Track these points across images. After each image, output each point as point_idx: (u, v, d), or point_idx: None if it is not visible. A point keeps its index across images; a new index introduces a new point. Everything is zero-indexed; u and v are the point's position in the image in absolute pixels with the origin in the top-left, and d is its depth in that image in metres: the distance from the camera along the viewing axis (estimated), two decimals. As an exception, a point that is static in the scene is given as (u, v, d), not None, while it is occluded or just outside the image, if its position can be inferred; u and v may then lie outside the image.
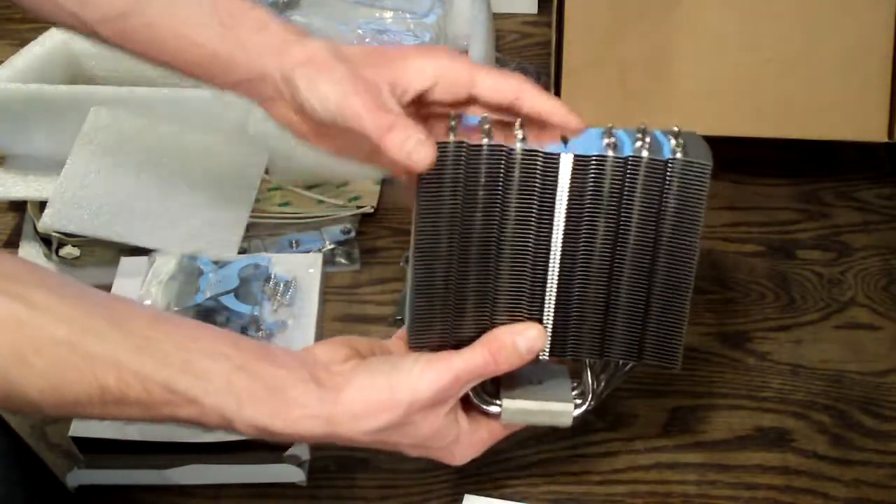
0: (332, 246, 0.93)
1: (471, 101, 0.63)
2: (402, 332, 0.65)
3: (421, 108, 0.64)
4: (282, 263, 0.87)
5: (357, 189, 0.99)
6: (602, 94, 0.95)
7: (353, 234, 0.94)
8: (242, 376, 0.55)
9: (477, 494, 0.69)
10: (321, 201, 0.98)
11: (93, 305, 0.54)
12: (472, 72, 0.62)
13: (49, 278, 0.55)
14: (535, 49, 1.22)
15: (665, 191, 0.59)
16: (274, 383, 0.56)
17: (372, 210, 0.97)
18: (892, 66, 0.90)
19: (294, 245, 0.93)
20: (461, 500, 0.70)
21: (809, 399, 0.79)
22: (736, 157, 1.02)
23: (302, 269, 0.87)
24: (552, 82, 0.95)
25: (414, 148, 0.57)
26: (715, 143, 0.97)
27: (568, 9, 0.93)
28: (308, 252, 0.91)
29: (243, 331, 0.80)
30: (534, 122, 0.62)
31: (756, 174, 1.01)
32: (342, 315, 0.87)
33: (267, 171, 0.98)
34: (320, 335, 0.84)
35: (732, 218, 0.96)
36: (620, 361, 0.63)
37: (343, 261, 0.92)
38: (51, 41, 1.04)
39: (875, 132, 0.92)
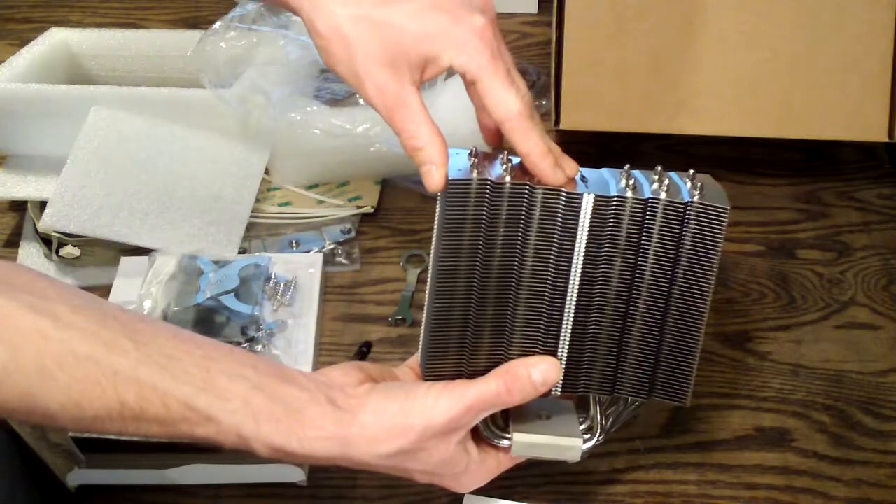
0: (332, 246, 0.93)
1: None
2: (412, 360, 0.66)
3: None
4: (282, 263, 0.87)
5: (357, 189, 0.99)
6: (602, 94, 0.95)
7: (353, 234, 0.94)
8: (260, 396, 0.55)
9: (477, 494, 0.69)
10: (321, 201, 0.98)
11: (114, 322, 0.54)
12: (479, 77, 0.61)
13: (69, 294, 0.56)
14: (535, 49, 1.22)
15: (682, 233, 0.59)
16: (291, 404, 0.56)
17: (372, 210, 0.97)
18: (892, 66, 0.90)
19: (294, 245, 0.93)
20: (461, 500, 0.70)
21: (809, 399, 0.79)
22: (736, 157, 1.02)
23: (302, 269, 0.87)
24: (552, 82, 0.95)
25: (427, 172, 0.59)
26: (715, 143, 0.97)
27: (568, 9, 0.93)
28: (308, 252, 0.92)
29: (243, 330, 0.80)
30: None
31: (756, 174, 1.01)
32: (342, 315, 0.87)
33: (267, 171, 0.99)
34: (320, 335, 0.84)
35: (733, 218, 0.95)
36: (629, 398, 0.63)
37: (343, 261, 0.92)
38: (51, 41, 1.04)
39: (875, 132, 0.92)
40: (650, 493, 0.73)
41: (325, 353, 0.83)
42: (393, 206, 0.99)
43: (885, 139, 0.92)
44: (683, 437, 0.76)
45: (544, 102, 1.10)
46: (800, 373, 0.81)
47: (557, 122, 0.95)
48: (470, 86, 0.62)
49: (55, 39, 1.05)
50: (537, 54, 1.19)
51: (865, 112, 0.92)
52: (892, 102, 0.91)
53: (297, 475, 0.72)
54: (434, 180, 0.59)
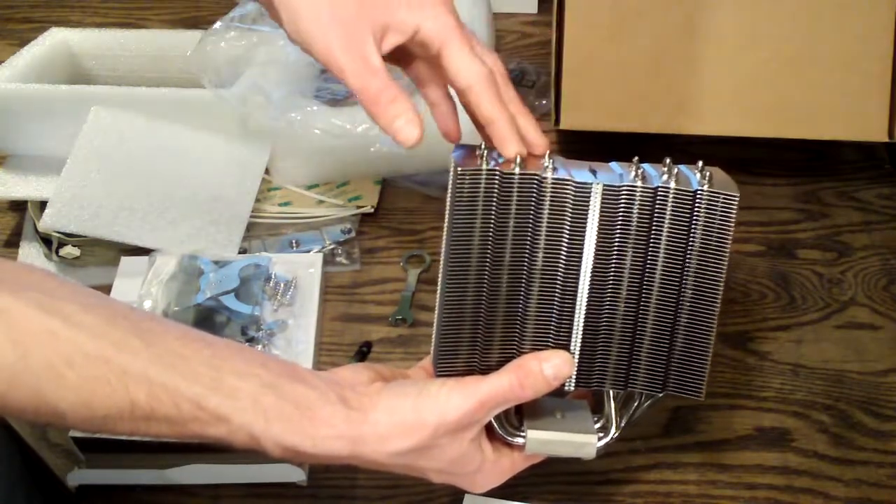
0: (332, 246, 0.93)
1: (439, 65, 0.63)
2: (424, 361, 0.66)
3: (395, 49, 0.63)
4: (282, 263, 0.87)
5: (357, 189, 0.99)
6: (602, 94, 0.95)
7: (353, 234, 0.94)
8: (271, 395, 0.55)
9: (477, 494, 0.69)
10: (321, 201, 0.98)
11: (124, 321, 0.54)
12: (444, 43, 0.61)
13: (79, 293, 0.55)
14: (535, 49, 1.22)
15: (693, 222, 0.59)
16: (302, 403, 0.56)
17: (372, 210, 0.97)
18: (892, 66, 0.90)
19: (294, 245, 0.93)
20: (462, 500, 0.70)
21: (809, 399, 0.79)
22: (736, 157, 1.02)
23: (302, 269, 0.87)
24: (552, 82, 0.95)
25: (402, 127, 0.60)
26: (715, 143, 0.97)
27: (568, 9, 0.93)
28: (308, 252, 0.92)
29: (243, 330, 0.80)
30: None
31: (756, 174, 1.01)
32: (342, 315, 0.87)
33: (267, 171, 0.99)
34: (320, 335, 0.84)
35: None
36: (644, 394, 0.63)
37: (343, 261, 0.92)
38: (51, 41, 1.04)
39: (875, 132, 0.92)
40: (650, 493, 0.73)
41: (325, 353, 0.83)
42: (393, 206, 0.98)
43: (885, 139, 0.92)
44: (683, 437, 0.76)
45: (544, 102, 1.10)
46: (800, 373, 0.81)
47: (557, 121, 0.95)
48: (432, 58, 0.62)
49: (55, 39, 1.05)
50: (537, 54, 1.19)
51: (865, 112, 0.92)
52: (892, 102, 0.91)
53: (297, 475, 0.72)
54: (413, 129, 0.60)
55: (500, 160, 0.59)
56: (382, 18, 0.61)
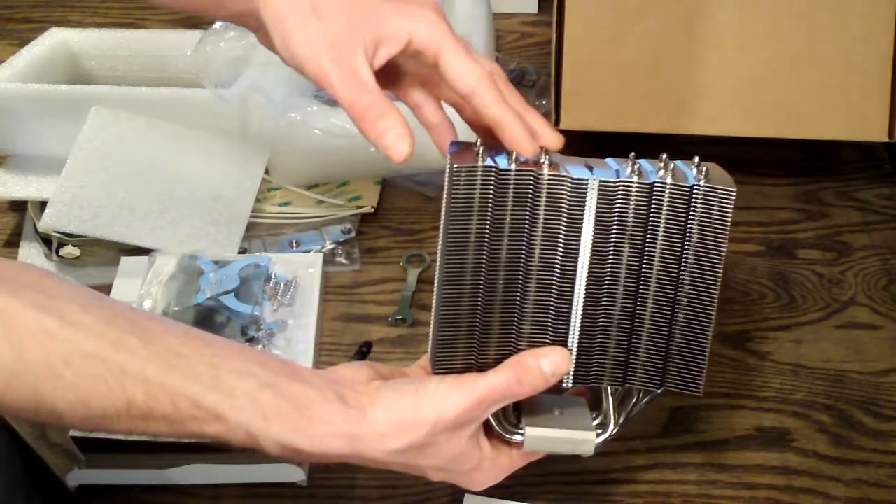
0: (332, 246, 0.93)
1: (435, 76, 0.63)
2: (422, 360, 0.66)
3: (388, 68, 0.63)
4: (282, 263, 0.87)
5: (357, 189, 0.99)
6: (602, 94, 0.95)
7: (353, 234, 0.94)
8: (269, 393, 0.55)
9: (476, 494, 0.69)
10: (321, 201, 0.98)
11: (122, 320, 0.54)
12: (441, 49, 0.60)
13: (78, 292, 0.55)
14: (535, 49, 1.22)
15: (690, 217, 0.59)
16: (300, 401, 0.56)
17: (372, 210, 0.97)
18: (892, 66, 0.90)
19: (294, 245, 0.93)
20: (461, 500, 0.70)
21: (810, 399, 0.79)
22: (736, 157, 1.02)
23: (302, 269, 0.87)
24: (552, 82, 0.95)
25: (392, 142, 0.59)
26: (715, 143, 0.97)
27: (568, 9, 0.93)
28: (308, 252, 0.92)
29: (243, 330, 0.80)
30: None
31: (756, 174, 1.01)
32: (342, 315, 0.87)
33: (267, 171, 0.99)
34: (320, 335, 0.84)
35: (733, 217, 0.96)
36: (642, 390, 0.63)
37: (343, 261, 0.92)
38: (51, 41, 1.04)
39: (875, 132, 0.92)
40: (650, 493, 0.73)
41: (325, 353, 0.83)
42: (393, 206, 0.99)
43: (885, 139, 0.92)
44: (683, 437, 0.76)
45: (544, 102, 1.10)
46: (800, 373, 0.81)
47: (557, 122, 0.95)
48: (428, 69, 0.62)
49: (55, 39, 1.05)
50: (537, 54, 1.19)
51: (865, 112, 0.92)
52: (892, 102, 0.91)
53: (297, 475, 0.72)
54: (404, 144, 0.59)
55: (498, 158, 0.59)
56: (374, 32, 0.60)
